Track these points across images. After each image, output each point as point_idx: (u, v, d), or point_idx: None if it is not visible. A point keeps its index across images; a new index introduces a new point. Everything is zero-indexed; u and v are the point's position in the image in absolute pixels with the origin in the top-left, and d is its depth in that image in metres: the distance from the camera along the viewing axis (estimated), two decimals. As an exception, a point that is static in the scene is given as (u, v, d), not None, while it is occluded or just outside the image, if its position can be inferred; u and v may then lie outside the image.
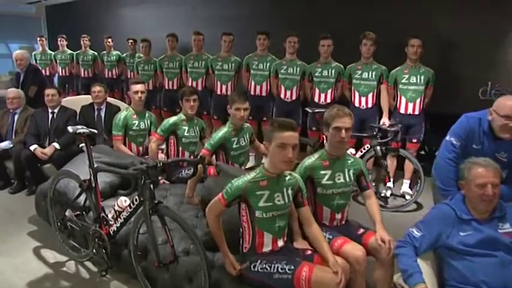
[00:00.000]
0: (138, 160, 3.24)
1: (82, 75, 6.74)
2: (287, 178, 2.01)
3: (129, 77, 6.20)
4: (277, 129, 1.84)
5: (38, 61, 6.90)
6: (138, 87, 3.53)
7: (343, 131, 2.15)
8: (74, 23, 8.20)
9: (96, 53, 6.72)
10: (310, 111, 3.92)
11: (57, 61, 6.89)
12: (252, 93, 4.61)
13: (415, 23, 4.20)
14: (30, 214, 3.35)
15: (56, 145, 3.82)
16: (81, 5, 8.25)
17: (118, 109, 4.18)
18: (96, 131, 2.40)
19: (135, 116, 3.61)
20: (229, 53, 4.79)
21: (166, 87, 5.32)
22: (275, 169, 1.93)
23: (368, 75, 4.07)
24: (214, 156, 2.93)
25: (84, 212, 2.63)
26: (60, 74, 6.94)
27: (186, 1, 6.36)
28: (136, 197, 2.12)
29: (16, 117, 4.15)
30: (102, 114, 4.16)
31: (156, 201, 2.06)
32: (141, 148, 3.73)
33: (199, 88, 4.96)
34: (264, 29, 4.55)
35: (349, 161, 2.32)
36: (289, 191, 2.00)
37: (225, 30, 4.74)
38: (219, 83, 4.82)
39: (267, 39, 4.48)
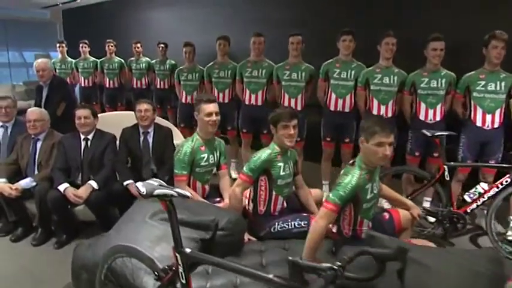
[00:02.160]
0: (217, 211, 2.32)
1: (107, 85, 5.91)
2: None
3: (158, 87, 5.42)
4: None
5: (57, 70, 6.03)
6: (211, 107, 2.57)
7: None
8: (93, 27, 7.49)
9: (122, 60, 5.87)
10: (429, 134, 2.95)
11: (79, 70, 6.01)
12: (332, 108, 3.65)
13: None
14: (65, 282, 2.41)
15: (94, 184, 2.87)
16: (102, 8, 7.50)
17: (169, 132, 3.25)
18: (189, 194, 1.44)
19: (203, 148, 2.66)
20: (298, 59, 3.85)
21: (216, 101, 4.40)
22: None
23: (495, 86, 3.09)
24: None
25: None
26: (82, 84, 6.06)
27: (225, 1, 5.54)
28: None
29: (39, 144, 3.16)
30: (150, 139, 3.16)
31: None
32: (207, 187, 2.79)
33: (259, 102, 4.05)
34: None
35: None
36: None
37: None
38: (286, 96, 3.86)
39: (353, 41, 3.53)
